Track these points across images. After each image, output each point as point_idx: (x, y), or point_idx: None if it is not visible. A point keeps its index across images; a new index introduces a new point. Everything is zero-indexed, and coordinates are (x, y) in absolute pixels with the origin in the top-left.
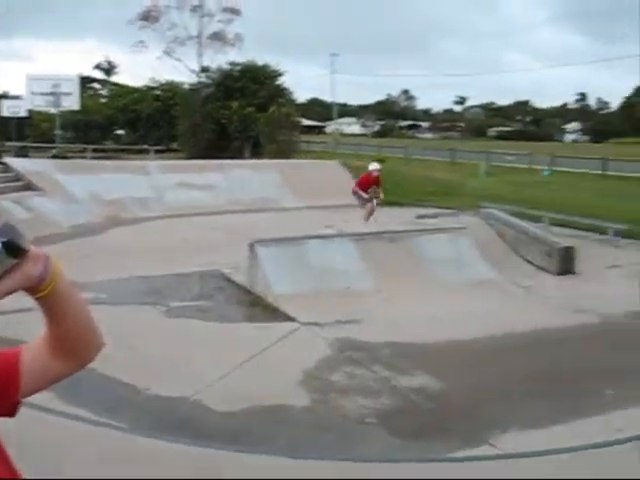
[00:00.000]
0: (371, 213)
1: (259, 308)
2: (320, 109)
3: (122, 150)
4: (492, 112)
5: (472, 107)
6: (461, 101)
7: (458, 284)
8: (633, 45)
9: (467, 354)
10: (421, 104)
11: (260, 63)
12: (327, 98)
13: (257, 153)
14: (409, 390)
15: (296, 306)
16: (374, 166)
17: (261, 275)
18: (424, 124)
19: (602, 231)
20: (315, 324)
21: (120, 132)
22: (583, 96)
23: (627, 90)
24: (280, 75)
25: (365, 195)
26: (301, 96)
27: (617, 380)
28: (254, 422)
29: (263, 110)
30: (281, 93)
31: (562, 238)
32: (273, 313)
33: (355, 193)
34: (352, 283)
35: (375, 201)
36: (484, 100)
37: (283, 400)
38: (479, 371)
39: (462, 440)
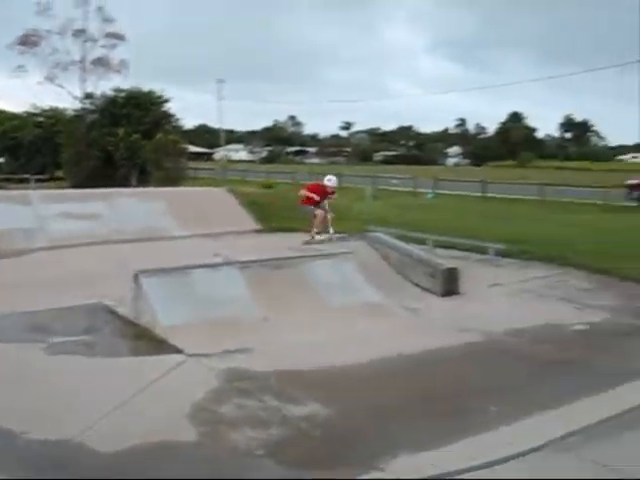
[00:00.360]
0: (323, 221)
1: (145, 341)
2: (208, 135)
3: (2, 179)
4: (377, 137)
5: (358, 132)
6: (347, 127)
7: (345, 309)
8: (507, 74)
9: (356, 378)
10: (308, 130)
11: (145, 89)
12: (215, 124)
13: (144, 181)
14: (299, 419)
15: (183, 337)
16: (331, 182)
17: (147, 306)
18: (311, 149)
19: (483, 251)
20: (203, 355)
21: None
22: (463, 122)
23: (502, 116)
24: (166, 101)
25: (317, 197)
26: (189, 123)
27: (500, 396)
28: (141, 461)
29: (149, 137)
30: (167, 119)
31: (446, 259)
32: (160, 345)
33: (307, 200)
34: (240, 311)
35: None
36: (369, 126)
37: (171, 435)
38: (369, 395)
39: (352, 466)
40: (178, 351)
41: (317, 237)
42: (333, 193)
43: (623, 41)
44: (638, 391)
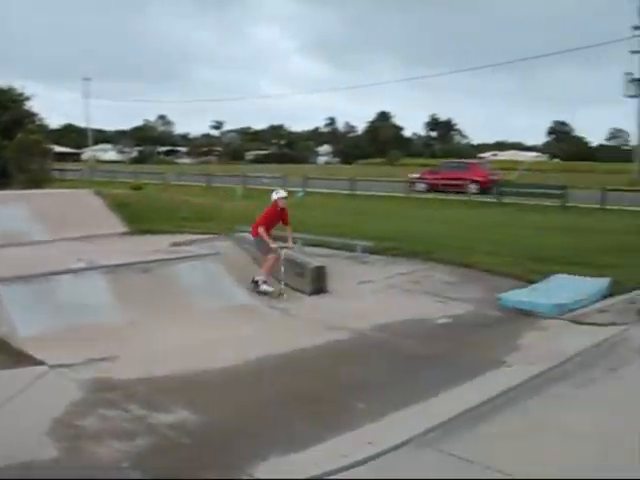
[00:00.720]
0: (274, 266)
1: (2, 353)
2: (75, 135)
3: None
4: (249, 136)
5: (229, 132)
6: (218, 126)
7: (215, 311)
8: (375, 74)
9: (227, 382)
10: (179, 129)
11: (5, 87)
12: (83, 124)
13: (5, 183)
14: (166, 427)
15: (44, 348)
16: (279, 194)
17: (4, 317)
18: (183, 149)
19: (352, 249)
20: (65, 366)
21: None
22: (332, 121)
23: (370, 115)
24: (27, 99)
25: (269, 239)
26: (55, 122)
27: (367, 393)
28: None
29: (9, 137)
30: (30, 118)
31: (314, 258)
32: (19, 358)
33: (256, 236)
34: (105, 318)
35: (284, 251)
36: (241, 125)
37: (28, 455)
38: (240, 398)
39: (220, 474)
40: (39, 363)
41: (264, 287)
42: (285, 215)
43: (484, 45)
44: (495, 381)
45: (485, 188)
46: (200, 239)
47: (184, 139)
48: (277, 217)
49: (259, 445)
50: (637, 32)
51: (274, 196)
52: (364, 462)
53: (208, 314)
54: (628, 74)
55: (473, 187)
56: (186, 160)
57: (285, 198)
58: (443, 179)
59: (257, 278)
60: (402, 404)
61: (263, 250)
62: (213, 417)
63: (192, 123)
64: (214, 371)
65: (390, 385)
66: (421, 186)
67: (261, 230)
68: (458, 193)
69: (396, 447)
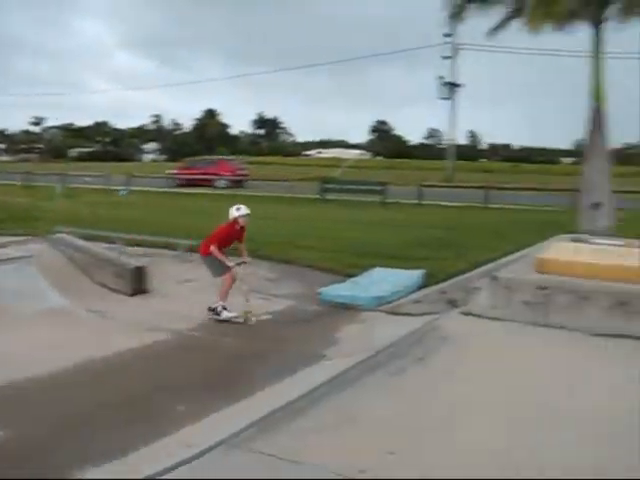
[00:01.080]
0: (231, 286)
1: None
2: None
3: None
4: (72, 133)
5: (51, 128)
6: (38, 122)
7: (29, 316)
8: (201, 71)
9: (41, 393)
10: None
11: None
12: None
13: None
14: None
15: None
16: (241, 211)
17: None
18: (0, 145)
19: (174, 248)
20: None
21: None
22: (158, 118)
23: (197, 113)
24: None
25: (223, 257)
26: None
27: (189, 394)
28: None
29: None
30: None
31: (136, 258)
32: None
33: (208, 255)
34: None
35: (240, 267)
36: (63, 121)
37: None
38: (55, 409)
39: None
40: None
41: (225, 314)
42: (242, 233)
43: (308, 44)
44: (314, 375)
45: (234, 182)
46: (14, 241)
47: (1, 135)
48: (234, 236)
49: (75, 456)
50: (447, 39)
51: (234, 213)
52: (179, 465)
53: (22, 320)
54: (440, 77)
55: (222, 182)
56: (4, 158)
57: (248, 215)
58: (194, 174)
59: (214, 306)
60: (222, 404)
61: (215, 271)
62: (26, 431)
63: (11, 119)
64: (28, 381)
65: (210, 385)
66: (176, 181)
67: (213, 248)
68: (208, 187)
69: (210, 448)
